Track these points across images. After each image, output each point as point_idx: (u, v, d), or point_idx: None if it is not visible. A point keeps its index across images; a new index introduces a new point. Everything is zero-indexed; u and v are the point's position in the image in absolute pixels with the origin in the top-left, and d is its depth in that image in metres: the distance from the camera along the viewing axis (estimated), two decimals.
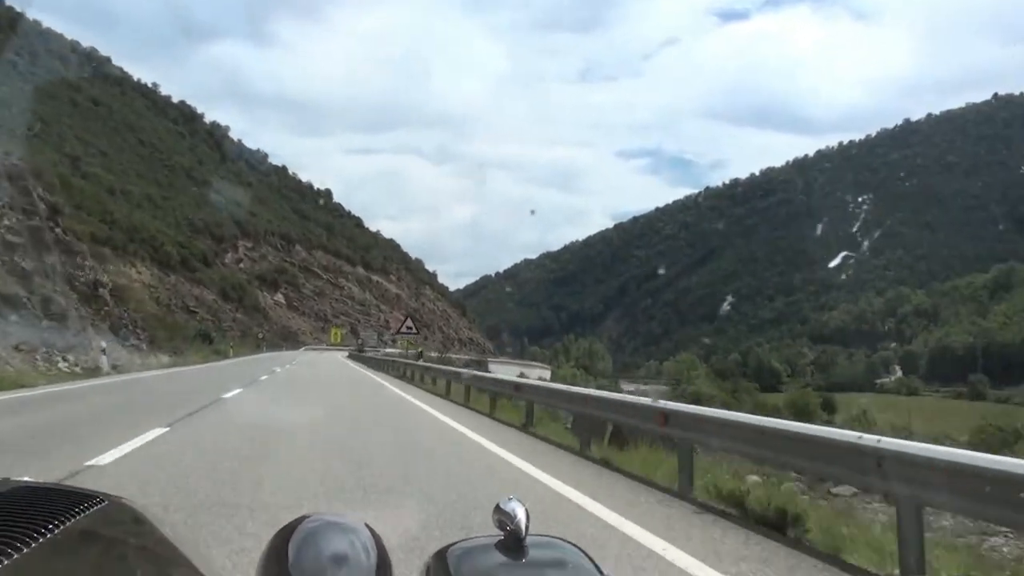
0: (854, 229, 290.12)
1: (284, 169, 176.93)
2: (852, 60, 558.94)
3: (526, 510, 1.13)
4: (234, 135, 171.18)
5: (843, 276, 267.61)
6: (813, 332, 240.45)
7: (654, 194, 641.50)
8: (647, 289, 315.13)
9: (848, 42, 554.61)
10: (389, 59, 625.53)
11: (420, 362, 39.07)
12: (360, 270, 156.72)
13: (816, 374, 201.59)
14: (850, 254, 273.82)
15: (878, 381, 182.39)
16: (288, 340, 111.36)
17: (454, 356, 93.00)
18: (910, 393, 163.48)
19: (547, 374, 79.74)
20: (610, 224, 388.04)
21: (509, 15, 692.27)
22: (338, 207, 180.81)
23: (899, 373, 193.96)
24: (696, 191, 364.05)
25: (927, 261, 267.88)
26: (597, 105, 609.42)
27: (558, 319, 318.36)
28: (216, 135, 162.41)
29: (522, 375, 34.51)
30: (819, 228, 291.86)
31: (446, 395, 23.53)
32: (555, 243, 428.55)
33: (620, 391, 24.92)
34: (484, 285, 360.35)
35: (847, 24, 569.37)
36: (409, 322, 41.18)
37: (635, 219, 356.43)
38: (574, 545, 1.18)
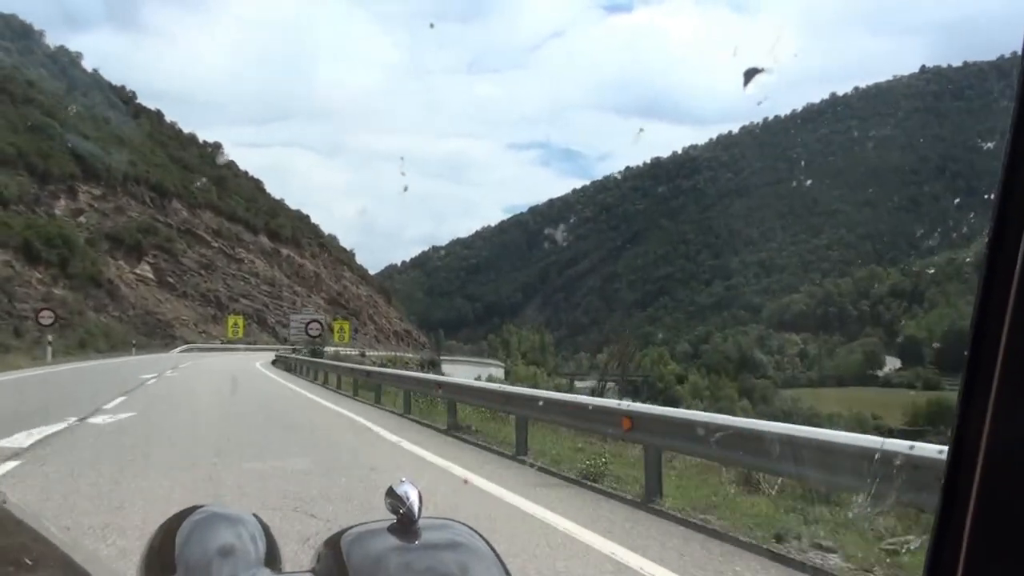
0: (787, 208, 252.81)
1: (159, 114, 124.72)
2: (733, 52, 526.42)
3: (419, 492, 1.05)
4: (88, 65, 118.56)
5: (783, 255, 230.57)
6: (772, 318, 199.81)
7: (545, 186, 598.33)
8: (569, 276, 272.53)
9: (729, 34, 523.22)
10: (274, 50, 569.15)
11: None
12: (264, 240, 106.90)
13: (801, 366, 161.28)
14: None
15: (879, 373, 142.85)
16: (156, 333, 62.49)
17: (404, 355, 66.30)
18: (928, 387, 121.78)
19: (500, 373, 73.20)
20: (503, 217, 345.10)
21: (395, 5, 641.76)
22: (231, 165, 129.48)
23: (897, 364, 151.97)
24: (586, 181, 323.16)
25: (872, 240, 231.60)
26: (486, 97, 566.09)
27: (472, 309, 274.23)
28: (61, 61, 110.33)
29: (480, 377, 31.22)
30: (750, 209, 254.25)
31: None
32: (447, 236, 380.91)
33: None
34: (389, 275, 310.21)
35: (726, 15, 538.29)
36: None
37: (551, 202, 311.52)
38: (467, 526, 1.11)
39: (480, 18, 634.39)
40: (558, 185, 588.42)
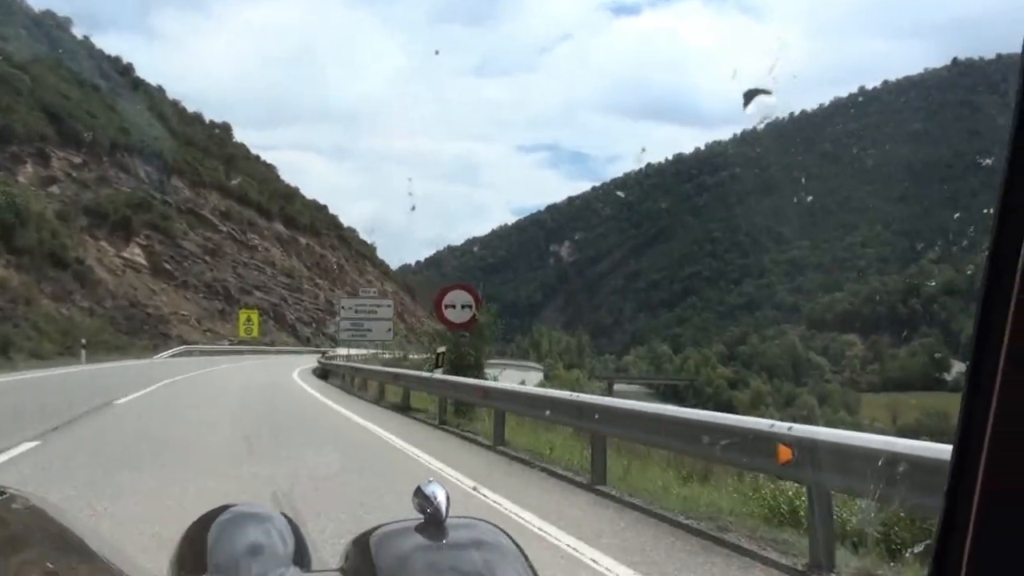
0: (818, 205, 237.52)
1: (160, 89, 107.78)
2: (743, 53, 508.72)
3: (446, 492, 1.02)
4: (78, 32, 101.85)
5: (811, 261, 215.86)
6: (813, 317, 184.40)
7: (554, 188, 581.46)
8: (590, 275, 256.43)
9: (738, 36, 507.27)
10: (282, 54, 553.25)
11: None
12: (279, 227, 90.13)
13: (860, 369, 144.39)
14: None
15: (947, 377, 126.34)
16: (144, 331, 45.84)
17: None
18: None
19: (540, 376, 64.20)
20: (512, 218, 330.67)
21: (403, 8, 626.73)
22: (242, 147, 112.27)
23: (963, 367, 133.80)
24: (595, 183, 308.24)
25: (909, 237, 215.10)
26: (495, 99, 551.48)
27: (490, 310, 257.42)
28: (45, 24, 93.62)
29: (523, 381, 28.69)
30: (778, 206, 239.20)
31: None
32: (457, 238, 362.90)
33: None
34: (404, 275, 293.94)
35: (735, 16, 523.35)
36: None
37: (570, 199, 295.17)
38: (494, 525, 1.08)
39: (488, 21, 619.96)
40: (567, 187, 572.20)
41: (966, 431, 0.58)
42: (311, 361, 36.32)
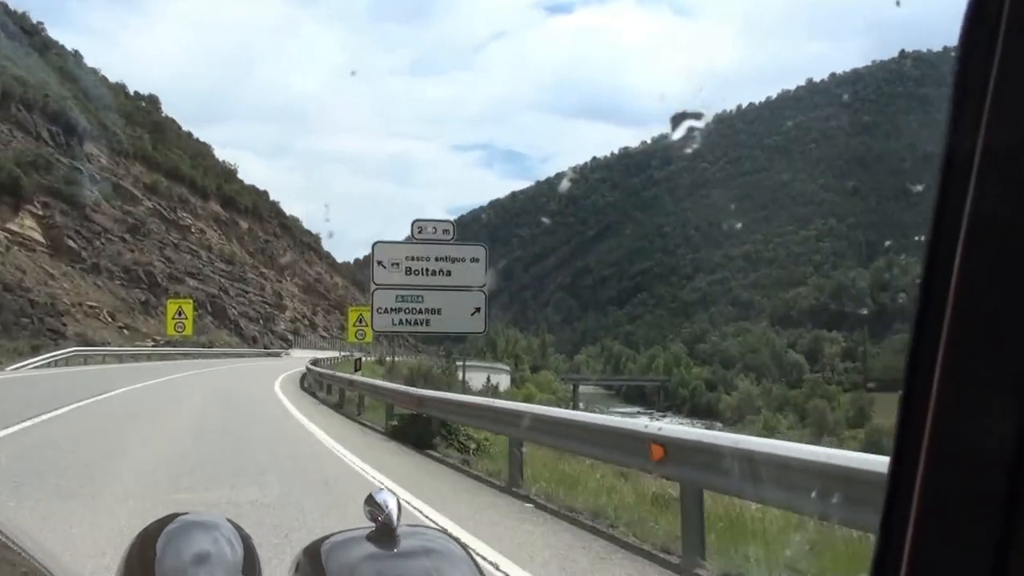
0: (769, 198, 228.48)
1: (78, 55, 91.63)
2: (676, 53, 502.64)
3: (397, 500, 1.02)
4: None
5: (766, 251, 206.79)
6: (776, 313, 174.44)
7: (488, 188, 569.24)
8: (536, 272, 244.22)
9: (671, 36, 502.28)
10: (214, 50, 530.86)
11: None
12: (216, 207, 75.21)
13: (842, 367, 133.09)
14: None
15: None
16: (25, 328, 31.12)
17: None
18: None
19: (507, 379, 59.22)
20: (446, 217, 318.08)
21: (338, 5, 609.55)
22: (171, 123, 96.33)
23: None
24: (530, 183, 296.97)
25: (864, 231, 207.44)
26: (430, 98, 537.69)
27: None
28: None
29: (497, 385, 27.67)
30: (730, 200, 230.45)
31: None
32: (395, 237, 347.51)
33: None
34: (351, 270, 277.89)
35: (668, 17, 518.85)
36: None
37: (513, 195, 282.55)
38: (445, 533, 1.08)
39: (422, 19, 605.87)
40: (501, 186, 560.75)
41: (902, 437, 0.56)
42: (281, 368, 22.36)
